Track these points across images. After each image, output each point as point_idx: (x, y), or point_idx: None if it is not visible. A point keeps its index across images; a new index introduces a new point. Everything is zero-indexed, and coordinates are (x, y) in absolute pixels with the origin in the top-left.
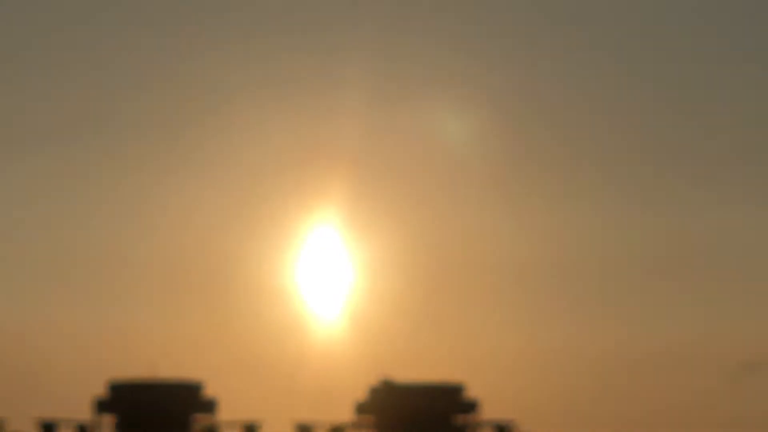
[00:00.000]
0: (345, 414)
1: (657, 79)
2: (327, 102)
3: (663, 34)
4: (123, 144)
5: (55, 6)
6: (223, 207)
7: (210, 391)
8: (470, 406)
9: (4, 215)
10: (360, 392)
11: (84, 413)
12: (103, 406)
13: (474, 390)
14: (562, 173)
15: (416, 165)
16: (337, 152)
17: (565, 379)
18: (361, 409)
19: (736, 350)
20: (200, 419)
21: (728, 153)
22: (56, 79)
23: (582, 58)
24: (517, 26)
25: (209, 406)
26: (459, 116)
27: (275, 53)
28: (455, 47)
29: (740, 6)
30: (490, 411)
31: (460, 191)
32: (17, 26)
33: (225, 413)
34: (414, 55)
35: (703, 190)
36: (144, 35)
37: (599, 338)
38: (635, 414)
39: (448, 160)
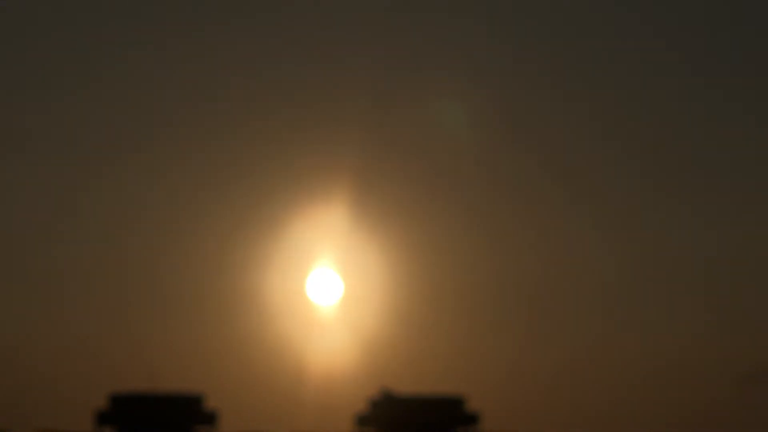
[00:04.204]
0: (345, 426)
1: (663, 76)
2: (327, 105)
3: (670, 35)
4: (124, 151)
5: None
6: (223, 218)
7: (211, 403)
8: (471, 419)
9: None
10: (360, 404)
11: (85, 425)
12: (103, 418)
13: (475, 402)
14: (567, 181)
15: (418, 172)
16: (337, 160)
17: (567, 390)
18: (362, 421)
19: (740, 360)
20: (201, 431)
21: (733, 163)
22: (55, 82)
23: (588, 56)
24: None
25: (210, 419)
26: (461, 122)
27: (275, 55)
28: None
29: (742, 15)
30: (491, 423)
31: (463, 200)
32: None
33: (226, 425)
34: (416, 57)
35: (710, 196)
36: (148, 39)
37: (602, 349)
38: (639, 425)
39: (451, 166)
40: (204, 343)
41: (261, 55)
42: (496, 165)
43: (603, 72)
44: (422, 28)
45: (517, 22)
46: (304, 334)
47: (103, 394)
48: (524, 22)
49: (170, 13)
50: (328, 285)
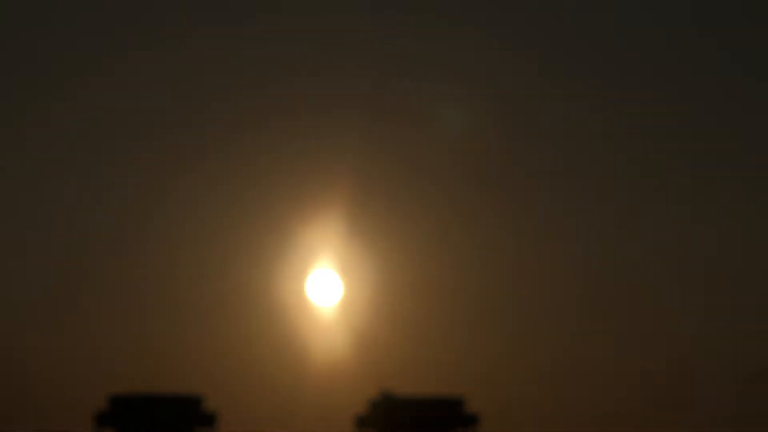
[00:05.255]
0: (345, 427)
1: (664, 76)
2: (327, 107)
3: (671, 34)
4: (124, 154)
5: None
6: (222, 218)
7: (210, 404)
8: (471, 420)
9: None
10: (360, 405)
11: (84, 426)
12: (103, 419)
13: (475, 403)
14: (567, 183)
15: (417, 173)
16: (337, 162)
17: (568, 391)
18: (362, 422)
19: (744, 360)
20: None
21: (734, 162)
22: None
23: (588, 57)
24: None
25: (210, 420)
26: (460, 126)
27: (274, 60)
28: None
29: (744, 13)
30: (491, 424)
31: (464, 202)
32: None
33: (226, 426)
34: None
35: (711, 196)
36: (149, 52)
37: (604, 350)
38: (642, 426)
39: (451, 168)
40: (204, 344)
41: (260, 61)
42: (495, 168)
43: (602, 72)
44: (421, 32)
45: (517, 24)
46: (304, 335)
47: (103, 395)
48: (524, 25)
49: (170, 21)
50: (327, 286)
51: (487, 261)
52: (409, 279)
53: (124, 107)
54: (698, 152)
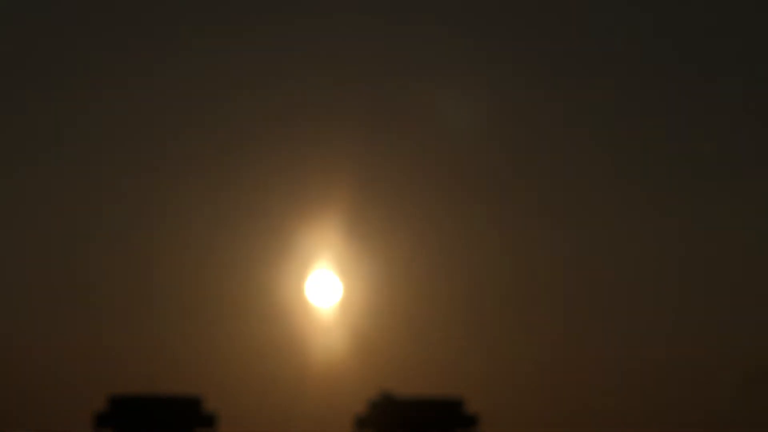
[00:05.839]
0: (345, 428)
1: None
2: (327, 108)
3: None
4: (126, 156)
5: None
6: (222, 220)
7: (210, 405)
8: (470, 421)
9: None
10: (360, 406)
11: (83, 427)
12: (102, 420)
13: (474, 404)
14: (567, 185)
15: (417, 175)
16: (337, 163)
17: (568, 392)
18: (361, 423)
19: (744, 360)
20: None
21: (733, 161)
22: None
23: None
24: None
25: (209, 421)
26: (460, 127)
27: (275, 58)
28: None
29: (742, 15)
30: (490, 425)
31: (463, 203)
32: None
33: (225, 427)
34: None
35: (712, 195)
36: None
37: (604, 351)
38: (642, 427)
39: (450, 169)
40: (203, 345)
41: (261, 63)
42: (495, 169)
43: (602, 72)
44: (421, 32)
45: (517, 24)
46: (304, 336)
47: (102, 396)
48: (524, 25)
49: (170, 24)
50: (327, 287)
51: (486, 261)
52: (409, 279)
53: (126, 110)
54: (698, 152)
